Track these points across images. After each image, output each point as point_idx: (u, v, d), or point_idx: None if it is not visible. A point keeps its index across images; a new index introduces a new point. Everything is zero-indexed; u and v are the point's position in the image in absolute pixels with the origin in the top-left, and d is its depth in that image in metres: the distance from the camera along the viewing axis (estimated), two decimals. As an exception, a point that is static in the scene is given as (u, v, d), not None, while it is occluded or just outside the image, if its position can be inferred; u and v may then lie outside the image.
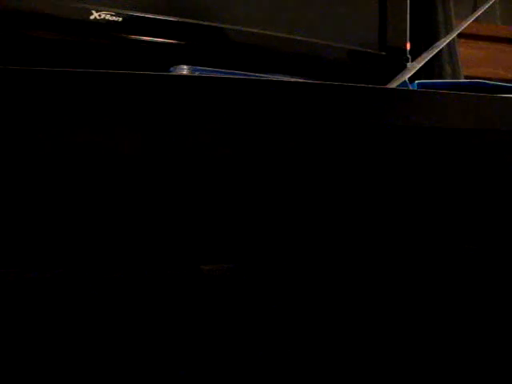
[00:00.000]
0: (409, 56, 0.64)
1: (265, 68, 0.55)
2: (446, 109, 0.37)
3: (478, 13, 0.61)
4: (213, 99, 0.32)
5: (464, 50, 1.08)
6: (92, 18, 0.47)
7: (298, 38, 0.58)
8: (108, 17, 0.48)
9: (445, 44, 0.58)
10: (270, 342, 0.56)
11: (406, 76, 0.52)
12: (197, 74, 0.43)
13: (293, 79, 0.49)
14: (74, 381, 0.49)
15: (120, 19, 0.48)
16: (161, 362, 0.52)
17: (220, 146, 0.47)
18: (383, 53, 0.63)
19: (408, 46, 0.65)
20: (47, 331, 0.55)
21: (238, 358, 0.53)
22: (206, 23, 0.53)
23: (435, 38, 0.89)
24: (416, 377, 0.52)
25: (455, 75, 0.92)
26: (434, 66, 0.91)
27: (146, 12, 0.50)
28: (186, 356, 0.53)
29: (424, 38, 0.91)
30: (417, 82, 0.48)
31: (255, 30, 0.55)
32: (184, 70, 0.43)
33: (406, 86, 0.50)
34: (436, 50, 0.55)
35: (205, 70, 0.43)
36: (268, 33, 0.56)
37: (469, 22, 0.59)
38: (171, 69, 0.44)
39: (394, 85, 0.52)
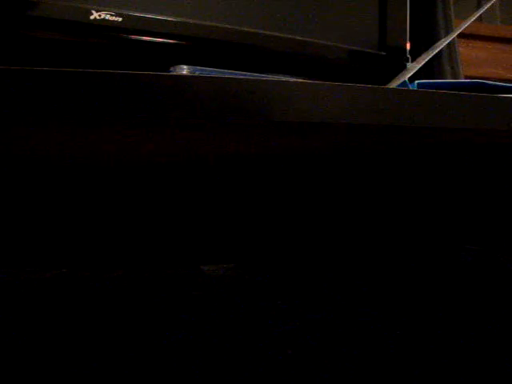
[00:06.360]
0: (409, 56, 0.64)
1: (265, 68, 0.55)
2: (446, 109, 0.37)
3: (478, 13, 0.61)
4: (213, 99, 0.32)
5: (464, 50, 1.08)
6: (92, 18, 0.47)
7: (298, 37, 0.58)
8: (108, 17, 0.48)
9: (445, 44, 0.58)
10: (269, 341, 0.56)
11: (406, 76, 0.52)
12: (197, 73, 0.43)
13: (293, 79, 0.49)
14: (74, 380, 0.49)
15: (120, 19, 0.48)
16: (161, 362, 0.52)
17: (220, 146, 0.47)
18: (383, 53, 0.63)
19: (408, 45, 0.65)
20: (47, 331, 0.55)
21: (238, 358, 0.53)
22: (205, 23, 0.53)
23: (435, 38, 0.89)
24: (414, 377, 0.52)
25: (455, 75, 0.92)
26: (434, 65, 0.91)
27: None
28: (186, 355, 0.53)
29: (424, 38, 0.91)
30: (417, 81, 0.48)
31: (255, 30, 0.55)
32: (184, 70, 0.43)
33: (406, 85, 0.50)
34: (436, 50, 0.55)
35: (205, 70, 0.43)
36: (268, 33, 0.56)
37: (469, 22, 0.59)
38: (171, 69, 0.44)
39: (393, 85, 0.52)
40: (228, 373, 0.51)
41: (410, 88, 0.48)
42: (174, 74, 0.42)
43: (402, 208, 0.76)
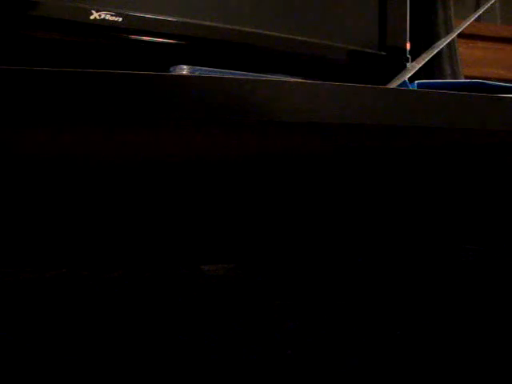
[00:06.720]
0: (409, 56, 0.64)
1: (265, 68, 0.55)
2: (446, 109, 0.37)
3: (478, 13, 0.61)
4: (213, 99, 0.32)
5: (464, 50, 1.08)
6: (92, 18, 0.47)
7: (298, 37, 0.58)
8: (108, 17, 0.48)
9: (445, 44, 0.58)
10: (269, 341, 0.56)
11: (406, 76, 0.52)
12: (197, 73, 0.43)
13: (293, 79, 0.49)
14: (74, 380, 0.49)
15: (120, 19, 0.49)
16: (161, 361, 0.52)
17: (220, 146, 0.47)
18: (383, 53, 0.63)
19: (408, 46, 0.65)
20: (47, 331, 0.55)
21: (239, 357, 0.53)
22: (205, 23, 0.53)
23: (435, 38, 0.89)
24: (413, 377, 0.52)
25: (455, 75, 0.92)
26: (434, 65, 0.91)
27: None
28: (185, 355, 0.53)
29: (424, 38, 0.91)
30: (417, 81, 0.48)
31: (255, 30, 0.55)
32: (184, 70, 0.43)
33: (406, 85, 0.50)
34: (436, 50, 0.55)
35: (205, 70, 0.43)
36: (268, 33, 0.56)
37: (469, 22, 0.59)
38: (171, 69, 0.44)
39: (393, 85, 0.52)
40: (228, 373, 0.51)
41: (410, 88, 0.48)
42: (174, 73, 0.42)
43: (401, 208, 0.76)
